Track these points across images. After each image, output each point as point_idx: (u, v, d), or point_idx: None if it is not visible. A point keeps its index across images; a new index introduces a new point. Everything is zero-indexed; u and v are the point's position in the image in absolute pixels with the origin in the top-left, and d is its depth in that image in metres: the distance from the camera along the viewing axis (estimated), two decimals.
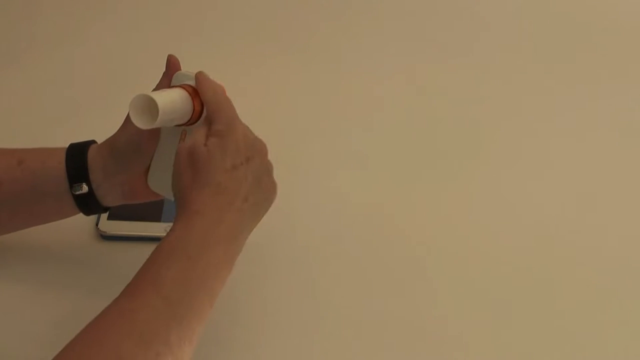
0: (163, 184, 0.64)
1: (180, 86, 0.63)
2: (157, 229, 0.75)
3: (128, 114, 0.67)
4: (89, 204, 0.67)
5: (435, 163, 0.88)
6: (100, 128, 0.89)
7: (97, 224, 0.75)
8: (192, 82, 0.64)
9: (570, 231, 0.80)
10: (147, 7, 1.11)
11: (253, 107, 0.94)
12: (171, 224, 0.73)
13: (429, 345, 0.68)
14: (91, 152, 0.67)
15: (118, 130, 0.67)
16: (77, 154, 0.67)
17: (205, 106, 0.62)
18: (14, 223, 0.70)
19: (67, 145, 0.68)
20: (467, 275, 0.75)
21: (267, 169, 0.63)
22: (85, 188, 0.65)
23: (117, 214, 0.75)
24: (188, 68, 1.01)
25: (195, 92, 0.63)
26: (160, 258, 0.55)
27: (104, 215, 0.75)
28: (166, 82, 0.67)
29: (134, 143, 0.65)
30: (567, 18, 1.13)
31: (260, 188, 0.61)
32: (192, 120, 0.63)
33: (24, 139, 0.88)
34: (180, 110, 0.61)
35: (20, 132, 0.89)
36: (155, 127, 0.61)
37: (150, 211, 0.76)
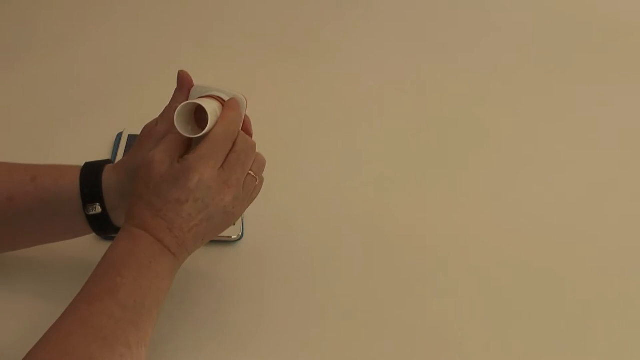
0: None
1: (211, 97, 0.64)
2: None
3: (140, 135, 0.66)
4: (102, 225, 0.67)
5: (438, 163, 0.88)
6: (101, 128, 0.89)
7: None
8: (216, 93, 0.64)
9: (576, 230, 0.80)
10: (148, 8, 1.11)
11: (254, 108, 0.94)
12: None
13: (433, 346, 0.68)
14: (106, 173, 0.66)
15: (134, 149, 0.66)
16: (92, 173, 0.66)
17: (209, 133, 0.62)
18: (25, 240, 0.70)
19: (65, 151, 0.69)
20: (471, 274, 0.75)
21: (222, 209, 0.62)
22: (98, 209, 0.65)
23: None
24: (188, 68, 1.02)
25: (224, 103, 0.64)
26: (112, 267, 0.58)
27: None
28: (180, 97, 0.66)
29: None
30: (572, 17, 1.13)
31: (210, 222, 0.62)
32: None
33: (24, 139, 0.88)
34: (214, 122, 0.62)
35: (21, 132, 0.89)
36: (196, 137, 0.61)
37: None
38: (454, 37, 1.08)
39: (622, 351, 0.69)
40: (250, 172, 0.64)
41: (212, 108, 0.62)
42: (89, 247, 0.74)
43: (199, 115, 0.63)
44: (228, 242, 0.76)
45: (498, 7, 1.14)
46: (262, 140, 0.87)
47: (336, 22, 1.11)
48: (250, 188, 0.65)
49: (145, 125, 0.67)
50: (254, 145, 0.65)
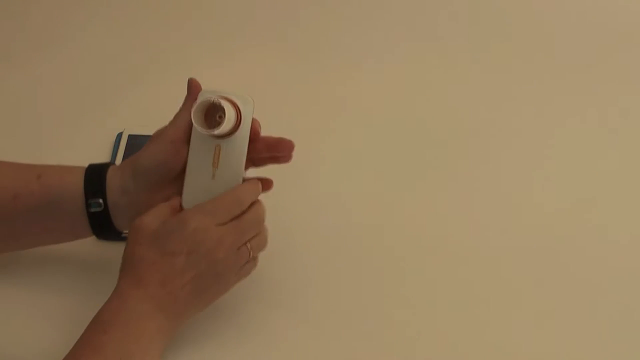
0: (199, 202, 0.65)
1: (225, 98, 0.64)
2: None
3: (150, 138, 0.67)
4: (102, 225, 0.67)
5: (438, 163, 0.88)
6: (101, 128, 0.89)
7: None
8: (232, 97, 0.65)
9: (572, 232, 0.80)
10: (148, 7, 1.11)
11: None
12: None
13: (429, 346, 0.68)
14: (111, 172, 0.67)
15: (141, 150, 0.67)
16: (96, 172, 0.67)
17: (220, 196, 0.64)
18: (28, 238, 0.70)
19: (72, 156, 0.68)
20: (469, 275, 0.75)
21: (214, 270, 0.62)
22: (101, 204, 0.66)
23: None
24: (188, 67, 1.01)
25: (234, 103, 0.64)
26: (100, 325, 0.59)
27: None
28: (190, 103, 0.66)
29: (159, 160, 0.65)
30: (571, 17, 1.13)
31: (201, 282, 0.62)
32: (230, 132, 0.65)
33: (24, 139, 0.88)
34: (230, 120, 0.63)
35: (21, 132, 0.89)
36: (210, 135, 0.62)
37: None
38: (454, 35, 1.08)
39: (622, 351, 0.69)
40: (247, 243, 0.64)
41: (227, 106, 0.62)
42: (88, 249, 0.74)
43: (207, 120, 0.63)
44: None
45: (497, 7, 1.14)
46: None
47: (337, 21, 1.11)
48: (242, 260, 0.65)
49: (156, 131, 0.67)
50: (260, 221, 0.66)
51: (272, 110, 0.95)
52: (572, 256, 0.77)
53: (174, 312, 0.61)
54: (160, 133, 0.67)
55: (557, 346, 0.69)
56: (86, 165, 0.68)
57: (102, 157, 0.82)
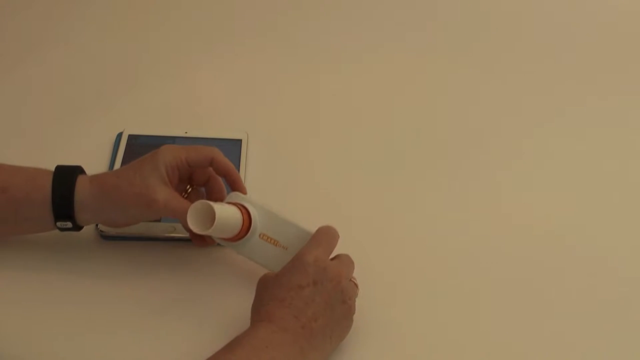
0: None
1: (236, 205, 0.66)
2: (157, 229, 0.74)
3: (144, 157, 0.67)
4: (71, 230, 0.69)
5: (432, 163, 0.88)
6: (101, 128, 0.89)
7: (97, 224, 0.75)
8: (245, 203, 0.67)
9: (571, 234, 0.80)
10: (148, 7, 1.12)
11: (252, 107, 0.94)
12: (171, 224, 0.74)
13: (429, 346, 0.68)
14: (80, 186, 0.67)
15: (124, 167, 0.68)
16: (64, 187, 0.66)
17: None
18: None
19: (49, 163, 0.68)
20: (466, 277, 0.75)
21: (341, 296, 0.63)
22: (69, 225, 0.67)
23: None
24: (188, 67, 1.01)
25: (247, 215, 0.67)
26: (227, 347, 0.58)
27: None
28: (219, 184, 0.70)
29: (129, 215, 0.67)
30: (568, 16, 1.13)
31: (333, 312, 0.62)
32: (234, 239, 0.67)
33: (24, 139, 0.88)
34: (230, 227, 0.65)
35: (21, 132, 0.89)
36: (206, 234, 0.64)
37: None
38: (451, 34, 1.09)
39: (622, 352, 0.69)
40: (353, 279, 0.66)
41: (226, 213, 0.64)
42: (89, 247, 0.74)
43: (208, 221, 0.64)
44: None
45: (497, 7, 1.14)
46: (260, 139, 0.87)
47: (336, 21, 1.11)
48: (354, 293, 0.65)
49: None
50: (352, 261, 0.68)
51: (271, 110, 0.95)
52: (571, 257, 0.77)
53: (310, 346, 0.60)
54: (154, 154, 0.67)
55: (556, 347, 0.69)
56: (77, 161, 0.69)
57: (102, 157, 0.82)
